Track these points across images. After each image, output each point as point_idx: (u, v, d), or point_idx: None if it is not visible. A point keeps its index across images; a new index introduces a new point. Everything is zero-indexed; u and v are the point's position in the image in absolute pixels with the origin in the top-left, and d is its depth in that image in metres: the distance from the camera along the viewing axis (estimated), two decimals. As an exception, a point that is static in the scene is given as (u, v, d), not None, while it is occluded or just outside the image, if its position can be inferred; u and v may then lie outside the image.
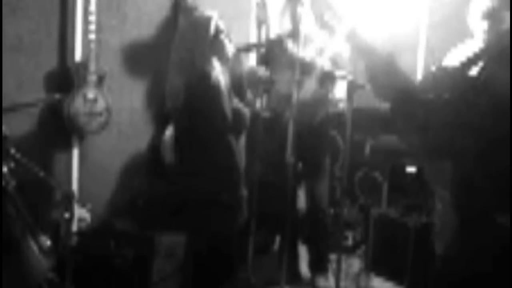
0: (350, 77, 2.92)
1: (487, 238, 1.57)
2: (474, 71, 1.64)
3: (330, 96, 3.49)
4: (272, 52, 3.54)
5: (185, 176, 2.70)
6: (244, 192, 2.72)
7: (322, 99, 3.46)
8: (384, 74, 1.63)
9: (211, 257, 2.67)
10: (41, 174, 2.77)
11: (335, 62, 3.38)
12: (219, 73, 2.63)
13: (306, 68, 3.25)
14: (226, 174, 2.66)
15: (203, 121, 2.61)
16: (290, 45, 3.45)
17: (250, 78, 3.49)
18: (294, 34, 3.39)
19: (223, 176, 2.65)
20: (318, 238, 3.63)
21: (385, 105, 1.70)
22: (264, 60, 3.59)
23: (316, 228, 3.62)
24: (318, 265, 3.63)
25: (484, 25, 2.65)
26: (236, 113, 2.65)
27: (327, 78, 3.34)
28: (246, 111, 2.72)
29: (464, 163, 1.61)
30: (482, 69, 1.60)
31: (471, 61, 1.64)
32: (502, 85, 1.54)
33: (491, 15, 2.59)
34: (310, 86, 3.35)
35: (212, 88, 2.57)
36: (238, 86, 3.05)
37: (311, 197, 3.59)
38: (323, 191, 3.57)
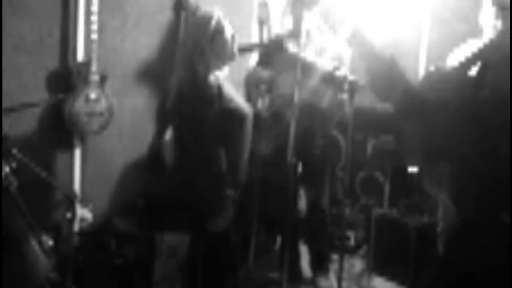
0: (351, 77, 2.91)
1: (490, 238, 1.57)
2: (473, 71, 1.64)
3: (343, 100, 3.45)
4: (273, 53, 3.54)
5: (184, 176, 2.70)
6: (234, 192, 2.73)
7: (338, 106, 3.43)
8: (385, 76, 1.64)
9: (211, 256, 2.67)
10: (43, 174, 2.77)
11: (336, 63, 3.37)
12: (215, 75, 2.63)
13: (307, 68, 3.24)
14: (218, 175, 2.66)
15: (190, 121, 2.62)
16: (291, 45, 3.44)
17: (252, 78, 3.50)
18: (295, 34, 3.38)
19: (217, 177, 2.65)
20: (319, 238, 3.63)
21: (385, 105, 1.70)
22: (265, 60, 3.58)
23: (316, 228, 3.62)
24: (319, 265, 3.62)
25: (498, 24, 2.63)
26: (235, 113, 2.64)
27: (329, 79, 3.33)
28: (247, 112, 2.71)
29: (464, 164, 1.61)
30: (482, 69, 1.60)
31: (470, 61, 1.64)
32: (502, 85, 1.53)
33: (505, 14, 2.58)
34: (312, 86, 3.35)
35: (203, 90, 2.57)
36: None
37: (312, 197, 3.59)
38: (324, 191, 3.57)
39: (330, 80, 3.27)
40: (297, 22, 3.37)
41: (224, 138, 2.67)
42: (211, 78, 2.61)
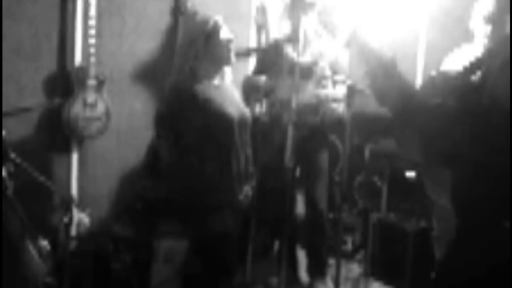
0: (349, 82, 2.92)
1: (490, 244, 1.57)
2: (476, 76, 1.64)
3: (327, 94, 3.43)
4: (270, 57, 3.54)
5: (182, 179, 2.69)
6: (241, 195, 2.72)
7: (320, 97, 3.42)
8: (385, 79, 1.64)
9: (208, 261, 2.66)
10: (40, 178, 2.76)
11: (334, 67, 3.38)
12: (209, 82, 2.62)
13: (305, 72, 3.25)
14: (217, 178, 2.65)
15: (183, 126, 2.61)
16: (289, 50, 3.45)
17: (249, 83, 3.50)
18: (293, 38, 3.38)
19: (214, 181, 2.64)
20: (317, 242, 3.62)
21: (385, 110, 1.70)
22: (263, 65, 3.59)
23: (314, 232, 3.61)
24: (317, 270, 3.62)
25: (487, 29, 2.66)
26: (220, 119, 2.61)
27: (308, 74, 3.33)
28: (232, 117, 2.66)
29: (464, 169, 1.60)
30: (484, 75, 1.61)
31: (473, 66, 1.64)
32: (503, 92, 1.54)
33: (493, 20, 2.60)
34: (309, 91, 3.35)
35: (191, 95, 2.57)
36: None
37: (310, 200, 3.58)
38: (322, 193, 3.56)
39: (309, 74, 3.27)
40: (295, 26, 3.37)
41: (214, 144, 2.65)
42: (199, 84, 2.60)
